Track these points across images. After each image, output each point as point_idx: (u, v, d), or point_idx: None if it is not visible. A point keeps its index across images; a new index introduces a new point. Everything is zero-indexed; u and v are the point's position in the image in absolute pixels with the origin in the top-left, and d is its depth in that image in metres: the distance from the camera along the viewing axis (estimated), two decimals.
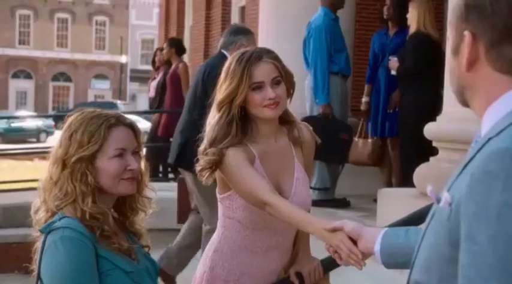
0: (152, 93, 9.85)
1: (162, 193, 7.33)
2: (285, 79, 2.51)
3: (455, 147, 4.40)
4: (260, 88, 2.46)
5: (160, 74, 9.60)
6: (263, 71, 2.46)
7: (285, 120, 2.58)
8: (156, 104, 9.59)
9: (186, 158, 4.64)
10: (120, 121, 2.10)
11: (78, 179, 2.03)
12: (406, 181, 5.35)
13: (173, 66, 9.17)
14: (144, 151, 2.19)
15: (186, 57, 15.75)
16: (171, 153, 5.24)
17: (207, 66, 5.09)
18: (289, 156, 2.56)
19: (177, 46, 9.30)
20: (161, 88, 9.46)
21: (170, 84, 9.10)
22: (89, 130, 2.05)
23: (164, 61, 9.50)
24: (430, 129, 4.72)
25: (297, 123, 2.60)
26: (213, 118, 2.53)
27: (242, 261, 2.53)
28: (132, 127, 2.13)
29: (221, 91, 2.50)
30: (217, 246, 2.60)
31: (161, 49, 10.01)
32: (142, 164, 2.16)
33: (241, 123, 2.49)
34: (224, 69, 2.53)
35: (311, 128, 2.64)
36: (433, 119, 4.86)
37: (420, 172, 4.66)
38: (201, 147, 2.53)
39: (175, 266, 5.41)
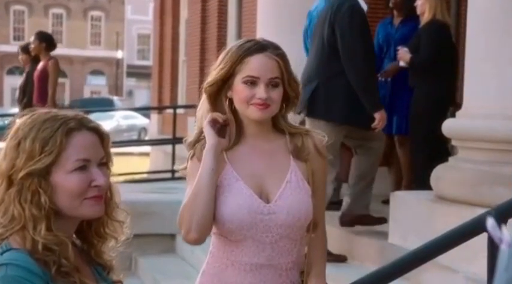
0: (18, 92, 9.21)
1: (153, 195, 7.00)
2: (286, 84, 2.13)
3: (478, 146, 3.98)
4: (252, 84, 2.10)
5: (26, 71, 8.94)
6: (262, 66, 2.09)
7: (284, 130, 2.20)
8: (22, 106, 8.76)
9: (317, 105, 4.71)
10: (83, 124, 1.65)
11: (28, 200, 1.59)
12: (421, 182, 4.94)
13: (42, 63, 8.48)
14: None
15: (181, 51, 15.44)
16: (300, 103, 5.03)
17: (333, 3, 4.88)
18: (283, 158, 2.18)
19: (47, 41, 8.65)
20: (24, 87, 8.77)
21: (38, 82, 8.44)
22: (41, 137, 1.60)
23: (32, 57, 8.77)
24: (449, 126, 4.29)
25: (308, 135, 2.21)
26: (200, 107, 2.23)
27: (230, 281, 2.16)
28: (97, 131, 1.67)
29: (211, 75, 2.16)
30: (204, 267, 2.24)
31: (24, 46, 9.25)
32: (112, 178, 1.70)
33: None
34: (223, 52, 2.16)
35: (322, 143, 2.23)
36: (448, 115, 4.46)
37: (438, 174, 4.23)
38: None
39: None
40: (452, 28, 6.40)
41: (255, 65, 2.09)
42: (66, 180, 1.61)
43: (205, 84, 2.17)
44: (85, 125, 1.65)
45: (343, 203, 5.05)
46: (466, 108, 4.17)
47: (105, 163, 1.67)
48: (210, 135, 2.11)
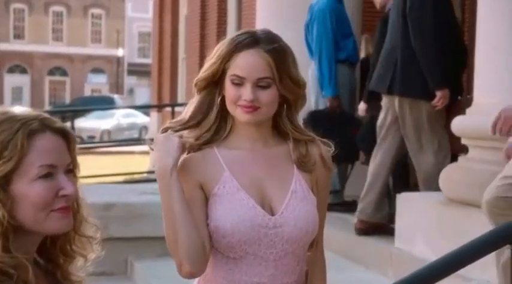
0: None
1: (149, 197, 6.77)
2: (278, 84, 1.86)
3: (489, 145, 3.74)
4: (239, 84, 1.86)
5: None
6: (249, 64, 1.85)
7: (286, 134, 1.95)
8: None
9: (397, 83, 4.67)
10: (46, 125, 1.43)
11: None
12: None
13: None
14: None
15: (181, 48, 15.23)
16: (374, 81, 4.96)
17: None
18: (286, 166, 1.94)
19: None
20: None
21: None
22: None
23: None
24: (458, 124, 4.06)
25: (313, 143, 1.95)
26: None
27: None
28: (63, 133, 1.45)
29: (202, 70, 1.95)
30: None
31: None
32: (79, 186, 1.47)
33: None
34: (220, 43, 1.94)
35: (329, 154, 1.98)
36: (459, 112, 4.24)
37: (448, 175, 4.00)
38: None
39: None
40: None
41: (241, 63, 1.85)
42: (29, 190, 1.39)
43: (195, 80, 1.97)
44: (49, 126, 1.43)
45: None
46: (476, 105, 3.94)
47: (71, 170, 1.45)
48: (173, 152, 1.86)
